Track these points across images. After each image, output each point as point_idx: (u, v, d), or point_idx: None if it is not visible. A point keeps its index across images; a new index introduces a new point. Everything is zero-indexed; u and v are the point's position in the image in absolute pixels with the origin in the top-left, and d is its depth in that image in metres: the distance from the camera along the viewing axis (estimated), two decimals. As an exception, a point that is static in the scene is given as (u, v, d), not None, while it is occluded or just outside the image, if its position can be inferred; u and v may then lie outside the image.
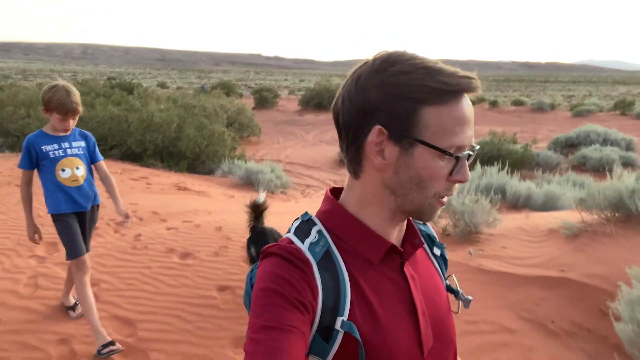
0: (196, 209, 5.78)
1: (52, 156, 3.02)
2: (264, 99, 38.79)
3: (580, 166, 13.76)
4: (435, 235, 1.08)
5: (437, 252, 1.06)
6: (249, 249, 3.47)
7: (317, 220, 0.90)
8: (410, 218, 0.94)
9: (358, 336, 0.79)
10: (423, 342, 0.88)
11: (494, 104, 39.42)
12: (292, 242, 0.86)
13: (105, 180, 3.31)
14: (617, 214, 4.46)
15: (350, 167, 0.89)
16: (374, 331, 0.83)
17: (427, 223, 1.07)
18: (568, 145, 17.28)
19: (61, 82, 3.03)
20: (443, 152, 0.80)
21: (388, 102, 0.81)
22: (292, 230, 0.89)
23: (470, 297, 1.02)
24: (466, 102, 0.82)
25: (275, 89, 46.43)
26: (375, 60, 0.83)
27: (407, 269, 0.91)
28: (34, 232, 3.18)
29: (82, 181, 3.12)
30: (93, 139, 3.30)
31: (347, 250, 0.87)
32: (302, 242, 0.85)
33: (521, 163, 12.58)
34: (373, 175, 0.86)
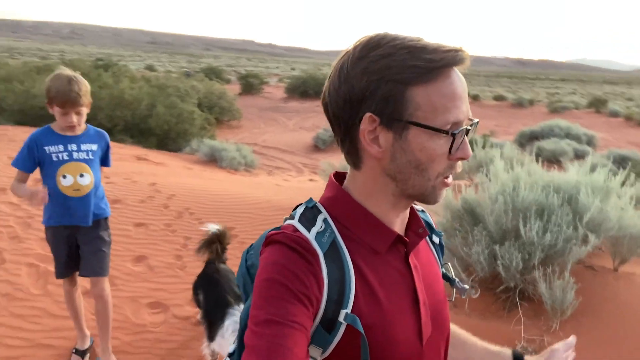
0: (142, 171, 6.31)
1: (54, 159, 2.60)
2: (250, 85, 39.12)
3: (535, 157, 14.46)
4: (433, 222, 1.08)
5: (436, 240, 1.06)
6: (195, 293, 3.06)
7: (322, 208, 0.88)
8: (413, 206, 0.94)
9: (361, 329, 0.78)
10: (423, 332, 0.88)
11: (475, 97, 40.15)
12: (297, 230, 0.83)
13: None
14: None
15: (348, 159, 0.88)
16: (377, 321, 0.82)
17: (425, 210, 1.07)
18: (533, 138, 18.00)
19: (67, 71, 2.62)
20: (438, 130, 0.78)
21: (374, 88, 0.79)
22: (297, 217, 0.87)
23: (466, 286, 1.02)
24: (455, 76, 0.79)
25: (262, 76, 46.61)
26: (356, 47, 0.81)
27: (411, 259, 0.91)
28: (33, 194, 2.54)
29: (86, 191, 2.67)
30: (108, 140, 2.86)
31: (352, 239, 0.86)
32: (309, 230, 0.83)
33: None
34: (372, 164, 0.84)
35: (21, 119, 10.72)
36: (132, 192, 5.43)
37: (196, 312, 3.30)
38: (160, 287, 3.82)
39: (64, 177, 2.61)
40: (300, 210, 0.88)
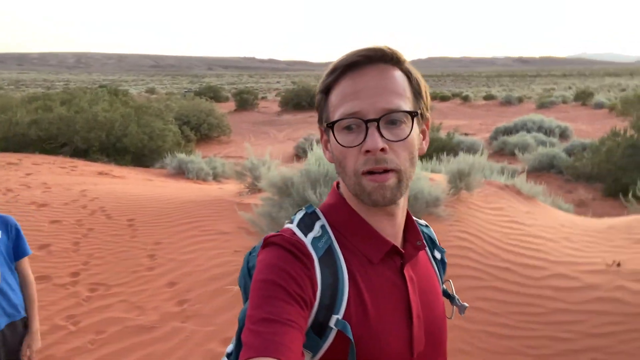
0: (85, 182, 6.99)
1: None
2: (245, 101, 40.03)
3: (500, 151, 14.97)
4: (436, 238, 1.08)
5: (438, 255, 1.05)
6: None
7: (320, 214, 0.90)
8: (413, 218, 0.96)
9: (351, 336, 0.79)
10: (414, 345, 0.88)
11: (465, 98, 40.68)
12: (294, 234, 0.85)
13: (24, 286, 2.33)
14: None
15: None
16: (366, 331, 0.82)
17: (429, 225, 1.08)
18: (506, 133, 18.50)
19: None
20: (327, 125, 0.85)
21: (316, 101, 0.90)
22: (295, 222, 0.89)
23: (466, 304, 1.02)
24: (359, 76, 0.83)
25: (256, 92, 47.61)
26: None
27: (407, 271, 0.91)
28: None
29: None
30: (16, 225, 2.35)
31: (348, 247, 0.87)
32: (305, 235, 0.85)
33: (442, 149, 13.79)
34: None
35: (6, 145, 11.51)
36: (61, 197, 6.17)
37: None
38: (53, 265, 4.54)
39: None
40: (299, 216, 0.90)
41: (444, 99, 42.70)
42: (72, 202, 6.00)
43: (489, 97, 41.38)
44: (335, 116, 0.83)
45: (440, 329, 0.95)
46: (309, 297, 0.79)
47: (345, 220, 0.89)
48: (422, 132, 0.92)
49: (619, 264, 3.07)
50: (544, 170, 11.43)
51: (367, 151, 0.81)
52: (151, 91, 55.99)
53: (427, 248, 1.02)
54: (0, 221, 2.29)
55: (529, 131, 17.79)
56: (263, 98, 50.16)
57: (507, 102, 37.16)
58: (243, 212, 4.40)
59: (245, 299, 0.94)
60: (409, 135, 0.83)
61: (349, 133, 0.83)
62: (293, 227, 0.88)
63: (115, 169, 9.49)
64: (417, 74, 0.87)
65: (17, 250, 2.30)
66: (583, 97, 33.04)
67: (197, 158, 10.92)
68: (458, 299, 1.03)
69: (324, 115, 0.88)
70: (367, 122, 0.80)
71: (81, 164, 9.47)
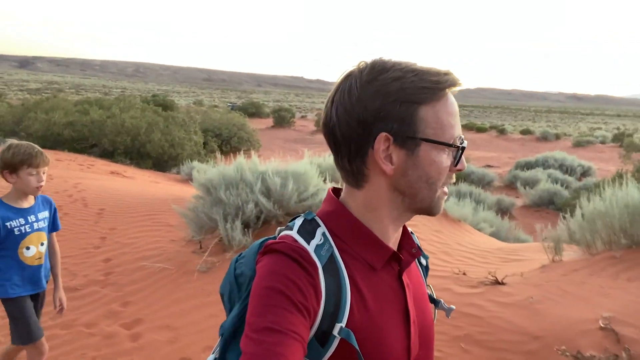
0: (86, 177, 7.75)
1: (17, 233, 2.55)
2: (282, 118, 41.24)
3: (511, 184, 15.02)
4: (419, 244, 1.06)
5: (423, 262, 1.08)
6: None
7: (320, 221, 0.89)
8: (406, 226, 0.97)
9: (356, 345, 0.79)
10: (411, 350, 0.90)
11: (502, 131, 40.31)
12: (296, 241, 0.84)
13: (53, 254, 2.81)
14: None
15: (350, 178, 0.88)
16: (370, 337, 0.83)
17: (414, 232, 1.06)
18: (527, 168, 18.45)
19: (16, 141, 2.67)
20: (447, 145, 0.84)
21: (388, 109, 0.82)
22: (296, 229, 0.87)
23: (453, 307, 1.04)
24: (452, 96, 0.87)
25: (293, 110, 48.91)
26: (361, 71, 0.85)
27: (404, 277, 0.92)
28: None
29: (44, 259, 2.70)
30: (54, 205, 2.87)
31: (349, 254, 0.87)
32: (308, 242, 0.84)
33: (456, 178, 14.01)
34: (379, 181, 0.86)
35: (43, 143, 12.74)
36: (55, 187, 6.93)
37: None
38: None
39: (28, 248, 2.59)
40: (299, 222, 0.89)
41: (480, 130, 42.43)
42: (63, 191, 6.79)
43: (526, 132, 40.80)
44: (448, 135, 0.84)
45: (430, 333, 0.97)
46: (312, 306, 0.78)
47: (346, 227, 0.88)
48: None
49: (464, 273, 3.46)
50: (543, 205, 11.50)
51: (459, 170, 0.87)
52: (199, 103, 58.56)
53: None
54: (45, 201, 2.76)
55: (549, 167, 17.70)
56: (303, 117, 51.53)
57: (544, 138, 36.59)
58: (175, 206, 5.09)
59: (230, 307, 0.93)
60: None
61: (445, 151, 0.85)
62: (293, 234, 0.86)
63: (130, 170, 10.37)
64: None
65: (53, 225, 2.78)
66: (621, 139, 32.15)
67: (208, 166, 11.71)
68: (443, 302, 1.04)
69: (409, 128, 0.83)
70: (463, 148, 0.86)
71: (100, 163, 10.42)
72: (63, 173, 7.70)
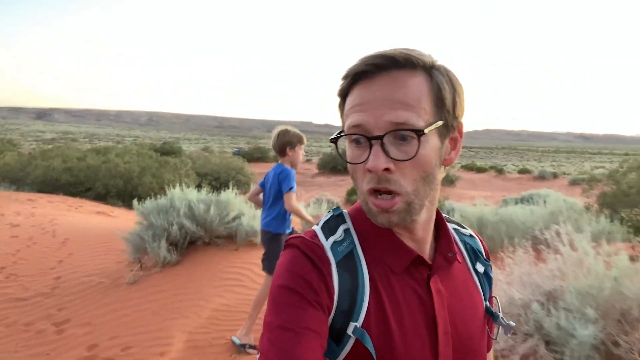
0: (64, 215, 8.55)
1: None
2: (284, 162, 42.24)
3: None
4: (483, 250, 1.00)
5: (481, 269, 0.97)
6: None
7: (347, 218, 0.88)
8: (449, 228, 0.92)
9: (370, 346, 0.77)
10: None
11: (500, 171, 40.83)
12: (315, 236, 0.84)
13: None
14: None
15: None
16: (385, 343, 0.79)
17: (474, 235, 1.01)
18: (515, 204, 18.86)
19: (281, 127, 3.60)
20: (338, 135, 0.81)
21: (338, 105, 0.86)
22: (320, 224, 0.88)
23: (512, 323, 0.94)
24: (367, 85, 0.77)
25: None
26: None
27: (434, 283, 0.86)
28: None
29: None
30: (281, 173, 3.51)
31: (372, 255, 0.84)
32: (327, 238, 0.83)
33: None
34: None
35: (42, 187, 13.58)
36: (34, 222, 7.66)
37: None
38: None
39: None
40: (325, 218, 0.89)
41: (480, 170, 42.96)
42: (38, 225, 7.49)
43: (523, 171, 41.29)
44: (344, 127, 0.80)
45: (475, 349, 0.89)
46: (325, 302, 0.77)
47: (368, 227, 0.86)
48: (452, 140, 0.85)
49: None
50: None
51: (369, 170, 0.77)
52: (206, 149, 60.18)
53: (467, 260, 0.95)
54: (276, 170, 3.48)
55: (532, 204, 18.08)
56: (308, 160, 52.58)
57: (541, 177, 36.97)
58: (118, 231, 5.80)
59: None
60: (416, 154, 0.76)
61: (357, 147, 0.79)
62: (317, 229, 0.86)
63: (117, 210, 11.06)
64: (442, 76, 0.79)
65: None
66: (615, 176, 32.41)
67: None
68: (503, 318, 0.95)
69: (342, 122, 0.82)
70: (370, 139, 0.76)
71: (89, 204, 11.15)
72: (47, 212, 8.46)
